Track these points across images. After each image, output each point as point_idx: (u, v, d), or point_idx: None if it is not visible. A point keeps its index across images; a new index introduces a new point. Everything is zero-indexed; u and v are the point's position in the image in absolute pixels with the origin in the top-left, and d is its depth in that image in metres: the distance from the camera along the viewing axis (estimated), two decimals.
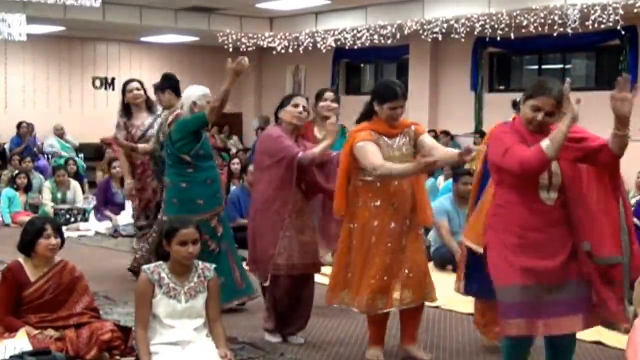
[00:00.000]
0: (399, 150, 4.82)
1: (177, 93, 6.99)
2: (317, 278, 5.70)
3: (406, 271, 4.79)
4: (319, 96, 6.04)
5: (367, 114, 4.89)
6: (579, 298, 3.87)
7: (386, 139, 4.80)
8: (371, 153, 4.69)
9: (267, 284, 5.32)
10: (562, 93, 3.78)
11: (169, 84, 7.09)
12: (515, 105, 4.43)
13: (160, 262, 4.38)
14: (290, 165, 5.12)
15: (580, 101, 3.67)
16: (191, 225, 4.34)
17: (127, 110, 7.42)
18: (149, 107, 7.46)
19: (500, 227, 3.92)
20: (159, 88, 7.17)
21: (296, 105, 5.26)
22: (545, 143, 3.70)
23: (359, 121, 4.93)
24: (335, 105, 5.97)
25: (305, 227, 5.29)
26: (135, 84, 7.46)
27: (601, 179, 3.93)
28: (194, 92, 6.06)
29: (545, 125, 3.85)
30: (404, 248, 4.81)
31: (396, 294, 4.78)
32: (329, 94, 5.99)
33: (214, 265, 4.52)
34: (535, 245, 3.84)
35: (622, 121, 3.68)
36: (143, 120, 7.37)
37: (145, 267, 4.41)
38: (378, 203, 4.79)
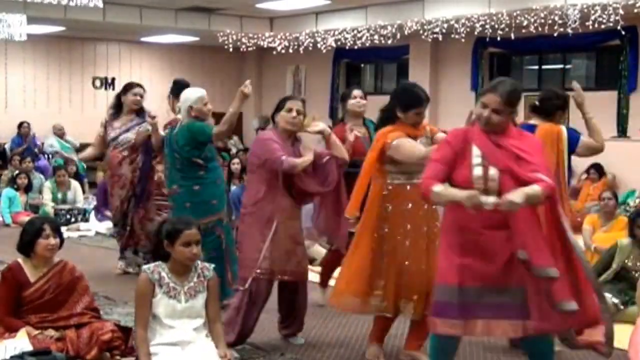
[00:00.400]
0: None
1: None
2: (316, 278, 5.71)
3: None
4: (345, 96, 6.06)
5: (389, 119, 4.84)
6: (522, 304, 3.81)
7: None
8: (411, 144, 4.67)
9: (243, 287, 5.09)
10: (510, 93, 3.83)
11: (175, 90, 7.15)
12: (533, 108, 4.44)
13: (160, 262, 4.38)
14: (273, 169, 5.03)
15: None
16: (194, 226, 4.35)
17: (118, 109, 7.47)
18: (138, 112, 7.51)
19: (445, 227, 4.01)
20: (171, 93, 7.33)
21: (289, 110, 5.13)
22: (437, 188, 3.78)
23: (379, 126, 4.89)
24: (364, 101, 6.00)
25: (294, 233, 5.17)
26: (139, 90, 7.52)
27: None
28: (189, 96, 6.05)
29: (492, 123, 3.84)
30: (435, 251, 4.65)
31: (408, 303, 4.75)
32: (357, 92, 5.99)
33: (212, 265, 4.53)
34: (475, 246, 3.84)
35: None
36: (124, 122, 7.42)
37: (145, 267, 4.42)
38: (410, 206, 4.74)
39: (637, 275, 6.24)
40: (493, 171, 3.82)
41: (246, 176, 8.81)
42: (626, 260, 6.26)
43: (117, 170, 7.39)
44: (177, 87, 7.11)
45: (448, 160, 3.87)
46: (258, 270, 5.03)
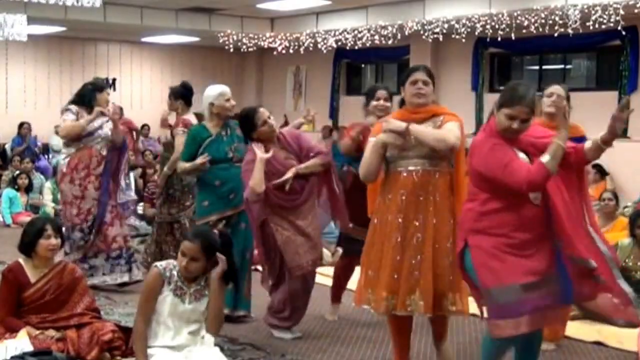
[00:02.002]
0: None
1: (188, 104, 7.12)
2: (317, 278, 5.71)
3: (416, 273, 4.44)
4: (369, 95, 5.81)
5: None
6: (563, 288, 3.91)
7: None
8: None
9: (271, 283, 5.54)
10: (535, 100, 3.91)
11: (182, 93, 7.13)
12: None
13: (172, 261, 4.41)
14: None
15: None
16: (198, 241, 4.30)
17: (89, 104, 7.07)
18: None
19: (489, 230, 3.89)
20: (173, 93, 7.20)
21: (264, 123, 5.43)
22: (545, 159, 3.75)
23: None
24: (388, 104, 5.70)
25: (302, 226, 5.42)
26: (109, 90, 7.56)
27: (569, 180, 3.96)
28: (209, 93, 5.99)
29: (521, 132, 3.90)
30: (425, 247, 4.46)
31: (409, 298, 4.45)
32: (381, 92, 5.74)
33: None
34: (525, 245, 3.85)
35: (612, 139, 3.79)
36: (100, 120, 7.00)
37: (157, 263, 4.44)
38: (390, 196, 4.52)
39: (637, 275, 6.24)
40: None
41: None
42: (627, 260, 6.26)
43: (96, 170, 6.88)
44: (184, 91, 7.14)
45: (517, 156, 3.89)
46: (298, 265, 5.37)
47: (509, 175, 3.79)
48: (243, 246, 5.79)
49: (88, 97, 6.92)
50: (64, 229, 6.82)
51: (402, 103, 4.70)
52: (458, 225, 4.16)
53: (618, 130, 3.77)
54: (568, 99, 5.17)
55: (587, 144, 3.92)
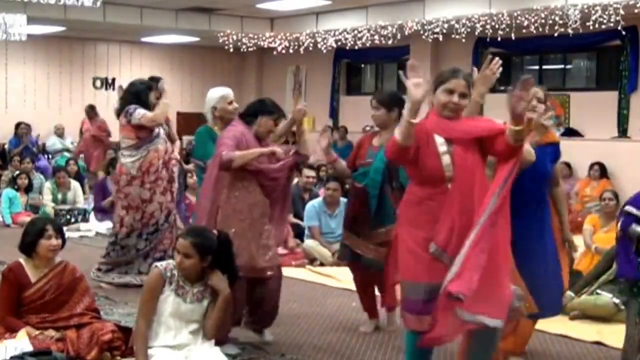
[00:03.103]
0: None
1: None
2: (317, 278, 5.70)
3: None
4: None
5: None
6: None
7: None
8: None
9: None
10: (470, 76, 4.01)
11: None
12: None
13: (171, 261, 4.41)
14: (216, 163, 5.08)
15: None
16: (190, 238, 4.29)
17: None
18: None
19: (410, 221, 3.93)
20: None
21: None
22: (396, 130, 3.82)
23: None
24: (376, 112, 5.48)
25: (264, 230, 5.12)
26: None
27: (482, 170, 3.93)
28: (212, 96, 5.97)
29: (460, 108, 3.95)
30: None
31: None
32: (372, 100, 5.55)
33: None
34: (424, 246, 3.86)
35: (515, 118, 3.74)
36: None
37: (158, 263, 4.44)
38: None
39: None
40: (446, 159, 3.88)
41: None
42: None
43: (162, 172, 6.87)
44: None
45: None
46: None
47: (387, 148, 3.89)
48: None
49: (144, 95, 6.83)
50: (109, 237, 7.07)
51: None
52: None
53: (515, 109, 3.72)
54: (546, 99, 5.13)
55: (507, 130, 3.84)
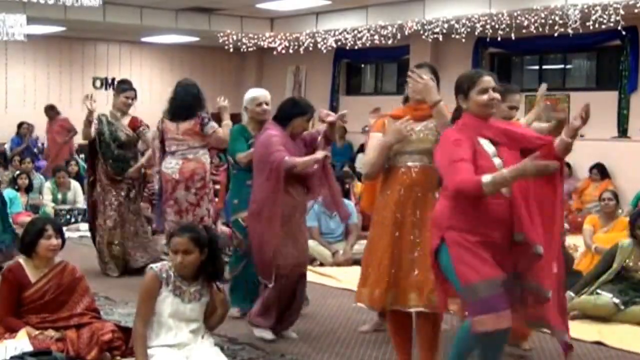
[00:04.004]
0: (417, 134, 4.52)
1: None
2: (317, 278, 5.72)
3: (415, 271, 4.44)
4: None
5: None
6: (511, 293, 3.89)
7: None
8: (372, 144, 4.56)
9: (271, 284, 5.37)
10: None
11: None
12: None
13: (165, 262, 4.42)
14: (274, 168, 5.27)
15: None
16: (187, 234, 4.31)
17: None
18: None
19: (462, 226, 3.86)
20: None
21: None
22: (486, 178, 3.70)
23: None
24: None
25: (297, 229, 5.44)
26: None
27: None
28: (246, 97, 6.09)
29: (498, 102, 4.04)
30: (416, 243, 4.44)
31: (409, 295, 4.44)
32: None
33: (222, 285, 4.57)
34: (493, 240, 3.86)
35: (571, 131, 3.96)
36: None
37: (153, 265, 4.44)
38: (388, 192, 4.54)
39: (638, 275, 6.24)
40: (498, 162, 3.90)
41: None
42: (627, 261, 6.26)
43: (207, 178, 6.90)
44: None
45: (470, 158, 3.85)
46: (277, 266, 5.30)
47: (448, 172, 3.83)
48: None
49: (203, 100, 6.92)
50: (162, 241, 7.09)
51: (406, 100, 4.79)
52: (432, 222, 4.06)
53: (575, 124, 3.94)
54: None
55: (556, 142, 3.93)
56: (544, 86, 5.58)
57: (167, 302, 4.31)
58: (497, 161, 3.89)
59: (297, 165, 5.26)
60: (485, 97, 3.96)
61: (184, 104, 6.70)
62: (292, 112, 5.47)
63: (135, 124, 7.77)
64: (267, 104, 6.03)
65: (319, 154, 5.35)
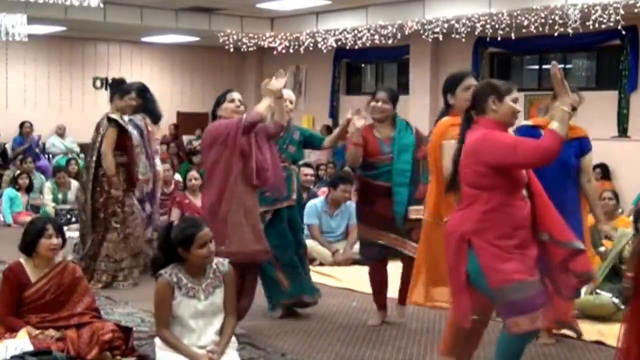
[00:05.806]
0: None
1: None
2: (317, 278, 5.71)
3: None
4: (372, 95, 5.92)
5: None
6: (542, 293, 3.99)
7: None
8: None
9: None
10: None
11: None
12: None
13: (176, 264, 4.41)
14: (234, 136, 5.17)
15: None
16: (204, 225, 4.39)
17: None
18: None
19: (492, 230, 3.91)
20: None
21: (232, 101, 5.46)
22: (554, 125, 3.88)
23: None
24: (386, 106, 5.77)
25: (250, 214, 5.22)
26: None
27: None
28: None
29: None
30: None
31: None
32: (380, 95, 5.82)
33: (227, 260, 4.56)
34: (523, 243, 3.95)
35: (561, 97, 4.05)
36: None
37: (162, 271, 4.43)
38: None
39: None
40: None
41: None
42: (626, 247, 6.25)
43: None
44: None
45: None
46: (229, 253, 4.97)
47: (521, 153, 3.87)
48: (298, 236, 6.12)
49: None
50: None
51: (447, 107, 4.92)
52: (448, 231, 4.11)
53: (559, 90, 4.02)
54: None
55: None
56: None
57: (183, 305, 4.35)
58: None
59: (260, 112, 5.30)
60: (515, 107, 4.09)
61: None
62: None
63: None
64: (291, 102, 6.25)
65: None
